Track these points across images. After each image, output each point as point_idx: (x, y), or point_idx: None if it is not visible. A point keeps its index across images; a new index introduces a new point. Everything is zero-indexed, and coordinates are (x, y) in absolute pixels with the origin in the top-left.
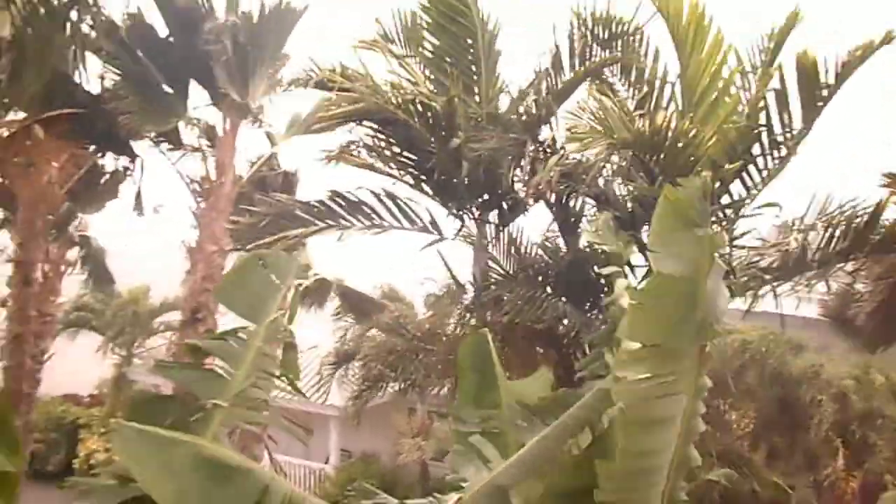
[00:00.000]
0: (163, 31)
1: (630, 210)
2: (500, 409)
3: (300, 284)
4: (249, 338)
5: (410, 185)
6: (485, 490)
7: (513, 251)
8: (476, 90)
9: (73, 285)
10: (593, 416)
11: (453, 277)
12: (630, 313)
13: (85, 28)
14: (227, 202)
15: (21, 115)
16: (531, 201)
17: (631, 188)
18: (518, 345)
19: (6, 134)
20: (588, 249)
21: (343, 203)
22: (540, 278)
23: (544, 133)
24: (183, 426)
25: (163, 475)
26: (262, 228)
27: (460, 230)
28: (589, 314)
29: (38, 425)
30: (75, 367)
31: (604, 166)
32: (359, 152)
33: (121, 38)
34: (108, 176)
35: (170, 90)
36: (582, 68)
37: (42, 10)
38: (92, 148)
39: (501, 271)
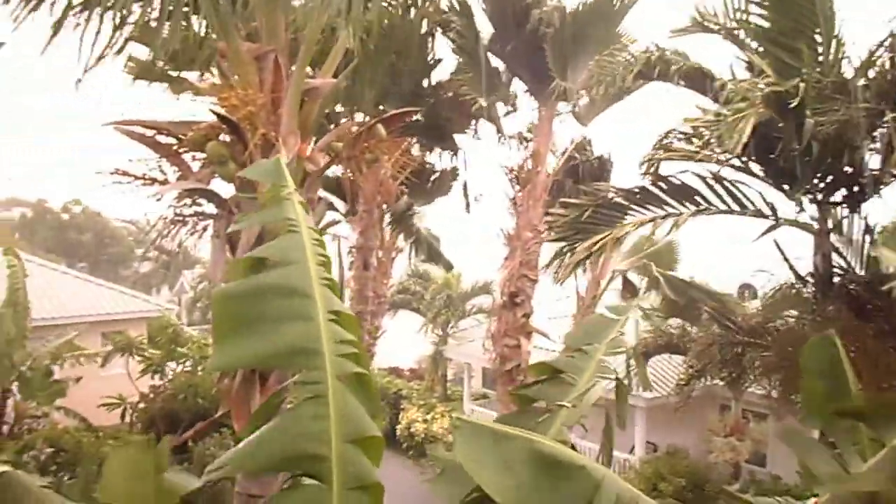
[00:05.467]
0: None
1: None
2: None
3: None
4: (592, 353)
5: (737, 168)
6: (845, 496)
7: (863, 237)
8: (817, 57)
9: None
10: None
11: (791, 268)
12: None
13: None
14: (543, 190)
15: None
16: (888, 180)
17: None
18: (868, 345)
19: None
20: None
21: (666, 188)
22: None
23: None
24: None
25: (499, 470)
26: (582, 220)
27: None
28: None
29: None
30: (397, 343)
31: None
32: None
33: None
34: (438, 173)
35: (493, 75)
36: None
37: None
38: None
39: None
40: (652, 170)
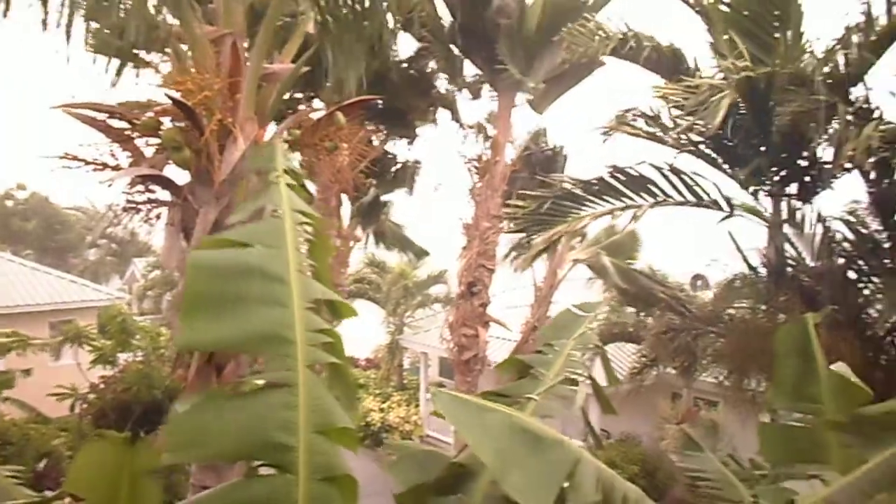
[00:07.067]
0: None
1: None
2: (821, 405)
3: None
4: (561, 348)
5: (693, 153)
6: None
7: (814, 229)
8: (778, 49)
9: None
10: None
11: (744, 258)
12: None
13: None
14: (501, 180)
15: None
16: (839, 173)
17: None
18: (821, 335)
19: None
20: None
21: (624, 179)
22: (845, 259)
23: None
24: None
25: (482, 435)
26: (541, 212)
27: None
28: None
29: None
30: (353, 332)
31: None
32: (635, 121)
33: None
34: (400, 165)
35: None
36: None
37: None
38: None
39: (799, 252)
40: (607, 137)
